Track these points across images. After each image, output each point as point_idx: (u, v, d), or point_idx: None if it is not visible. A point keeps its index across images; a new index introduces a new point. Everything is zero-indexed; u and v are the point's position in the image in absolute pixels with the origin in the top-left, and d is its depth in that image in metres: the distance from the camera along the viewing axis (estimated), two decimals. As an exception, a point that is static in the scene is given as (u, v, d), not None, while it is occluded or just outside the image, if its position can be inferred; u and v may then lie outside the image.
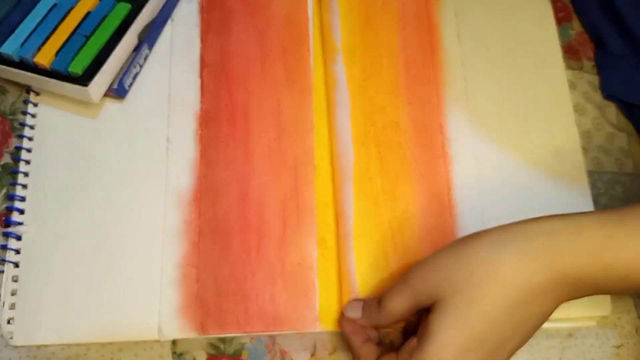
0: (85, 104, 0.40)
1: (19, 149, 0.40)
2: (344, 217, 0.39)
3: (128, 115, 0.41)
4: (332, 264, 0.39)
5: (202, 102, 0.42)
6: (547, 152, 0.43)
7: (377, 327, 0.35)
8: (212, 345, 0.37)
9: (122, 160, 0.40)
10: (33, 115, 0.41)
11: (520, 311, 0.29)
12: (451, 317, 0.29)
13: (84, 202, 0.39)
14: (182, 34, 0.44)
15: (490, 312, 0.29)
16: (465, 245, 0.31)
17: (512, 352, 0.31)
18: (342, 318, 0.36)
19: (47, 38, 0.40)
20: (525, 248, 0.30)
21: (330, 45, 0.44)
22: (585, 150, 0.44)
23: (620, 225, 0.29)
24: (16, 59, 0.39)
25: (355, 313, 0.35)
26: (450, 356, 0.29)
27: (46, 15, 0.41)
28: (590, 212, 0.31)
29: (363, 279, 0.38)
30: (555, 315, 0.38)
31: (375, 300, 0.34)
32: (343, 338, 0.36)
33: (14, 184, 0.39)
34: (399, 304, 0.32)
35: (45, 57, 0.39)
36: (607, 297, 0.38)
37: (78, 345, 0.36)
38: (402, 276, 0.33)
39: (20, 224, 0.38)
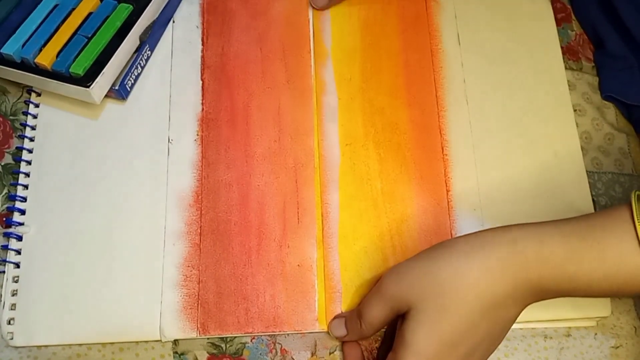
0: (87, 104, 0.40)
1: (20, 149, 0.40)
2: (328, 219, 0.39)
3: (129, 116, 0.41)
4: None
5: (203, 103, 0.42)
6: (547, 153, 0.43)
7: (363, 339, 0.36)
8: (214, 345, 0.37)
9: (123, 161, 0.40)
10: (34, 116, 0.41)
11: (488, 317, 0.30)
12: (425, 326, 0.30)
13: (85, 203, 0.39)
14: (184, 35, 0.44)
15: (460, 318, 0.30)
16: (435, 254, 0.32)
17: (484, 357, 0.31)
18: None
19: (49, 39, 0.40)
20: (491, 257, 0.30)
21: (320, 50, 0.44)
22: (584, 150, 0.44)
23: (583, 239, 0.30)
24: (17, 59, 0.39)
25: (340, 331, 0.36)
26: None
27: (47, 16, 0.41)
28: (554, 221, 0.32)
29: (349, 280, 0.38)
30: (555, 315, 0.38)
31: (355, 313, 0.35)
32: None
33: (15, 184, 0.39)
34: (377, 313, 0.33)
35: (46, 58, 0.39)
36: (607, 299, 0.39)
37: (79, 345, 0.37)
38: (376, 285, 0.33)
39: (21, 224, 0.38)
